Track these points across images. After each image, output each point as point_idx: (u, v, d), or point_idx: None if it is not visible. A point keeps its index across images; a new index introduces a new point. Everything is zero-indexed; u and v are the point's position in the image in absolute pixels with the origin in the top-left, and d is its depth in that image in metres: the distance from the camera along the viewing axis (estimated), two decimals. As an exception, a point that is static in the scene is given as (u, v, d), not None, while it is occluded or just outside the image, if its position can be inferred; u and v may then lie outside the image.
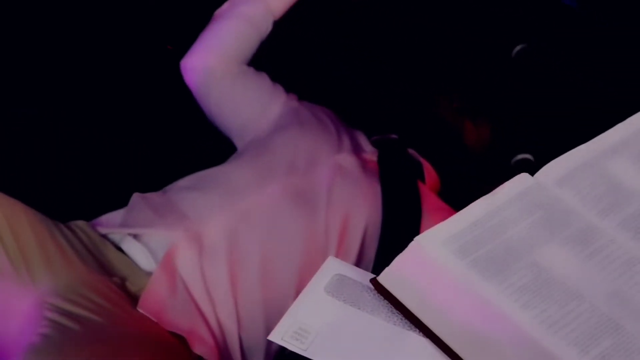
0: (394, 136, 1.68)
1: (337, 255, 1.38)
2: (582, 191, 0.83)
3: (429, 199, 1.55)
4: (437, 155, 1.68)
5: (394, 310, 0.77)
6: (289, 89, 1.68)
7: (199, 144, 1.73)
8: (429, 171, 1.65)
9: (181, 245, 1.32)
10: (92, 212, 1.46)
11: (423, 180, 1.63)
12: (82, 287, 1.23)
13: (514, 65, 1.85)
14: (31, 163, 1.66)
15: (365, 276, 0.79)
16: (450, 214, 1.52)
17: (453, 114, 1.70)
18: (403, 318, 0.76)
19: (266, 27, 1.63)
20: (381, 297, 0.77)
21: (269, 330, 1.32)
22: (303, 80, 1.86)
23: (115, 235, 1.38)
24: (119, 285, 1.28)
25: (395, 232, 1.47)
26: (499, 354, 0.72)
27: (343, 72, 1.83)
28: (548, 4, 1.90)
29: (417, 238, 0.77)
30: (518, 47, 1.85)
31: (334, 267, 0.80)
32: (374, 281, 0.78)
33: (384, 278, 0.78)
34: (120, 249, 1.36)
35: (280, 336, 0.74)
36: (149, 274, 1.32)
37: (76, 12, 1.82)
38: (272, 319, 1.33)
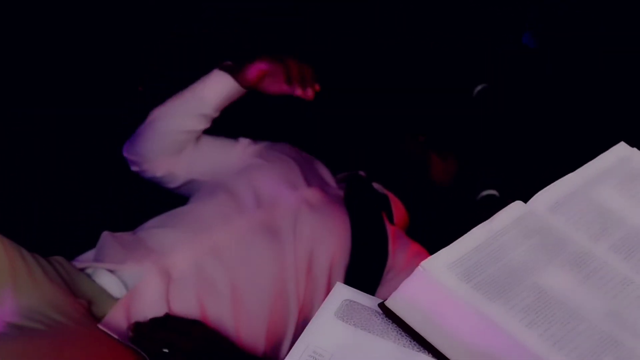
0: (361, 172, 1.73)
1: (305, 285, 1.42)
2: (574, 217, 0.87)
3: (394, 233, 1.59)
4: (404, 189, 1.73)
5: (403, 333, 0.79)
6: (253, 127, 1.73)
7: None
8: (397, 204, 1.69)
9: (149, 278, 1.35)
10: (69, 252, 1.48)
11: (390, 212, 1.67)
12: (44, 305, 1.25)
13: (475, 103, 1.91)
14: (31, 163, 1.68)
15: (373, 301, 0.82)
16: (416, 248, 1.57)
17: (419, 148, 1.74)
18: (412, 340, 0.79)
19: (208, 124, 1.65)
20: (390, 320, 0.80)
21: None
22: (268, 115, 1.90)
23: (90, 269, 1.40)
24: (84, 306, 1.30)
25: (363, 263, 1.51)
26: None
27: (309, 109, 1.87)
28: (508, 44, 1.98)
29: (422, 263, 0.80)
30: (479, 87, 1.91)
31: (342, 293, 0.82)
32: (382, 305, 0.81)
33: (391, 302, 0.80)
34: (93, 281, 1.39)
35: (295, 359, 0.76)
36: (117, 300, 1.34)
37: (76, 14, 1.83)
38: (245, 347, 1.35)
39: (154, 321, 1.30)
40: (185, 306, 1.34)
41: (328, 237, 1.48)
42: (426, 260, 0.81)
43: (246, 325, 1.36)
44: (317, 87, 1.54)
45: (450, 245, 0.82)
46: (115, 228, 1.48)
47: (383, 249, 1.56)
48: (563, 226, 0.86)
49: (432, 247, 1.56)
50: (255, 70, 1.55)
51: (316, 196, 1.55)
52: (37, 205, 1.42)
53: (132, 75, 1.87)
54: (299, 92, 1.53)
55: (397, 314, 0.80)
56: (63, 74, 1.81)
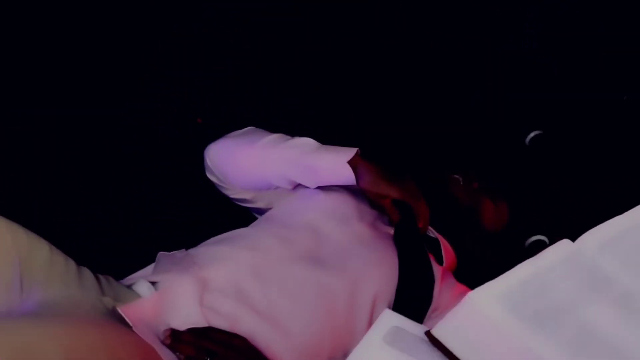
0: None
1: (346, 319, 1.44)
2: (621, 257, 0.88)
3: (442, 273, 1.60)
4: (454, 233, 1.74)
5: (447, 361, 0.81)
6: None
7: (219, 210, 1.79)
8: (446, 248, 1.71)
9: (185, 283, 1.39)
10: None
11: (440, 255, 1.68)
12: (65, 301, 1.30)
13: (528, 150, 1.92)
14: (31, 163, 1.69)
15: (420, 329, 0.84)
16: (462, 288, 1.58)
17: (471, 193, 1.75)
18: (456, 368, 0.81)
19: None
20: (436, 348, 0.82)
21: None
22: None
23: (132, 280, 1.45)
24: (108, 303, 1.34)
25: (408, 302, 1.52)
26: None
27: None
28: (508, 44, 1.97)
29: (470, 294, 0.82)
30: (532, 134, 1.92)
31: (390, 319, 0.85)
32: (428, 333, 0.83)
33: (438, 331, 0.83)
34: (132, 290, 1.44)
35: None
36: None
37: (77, 14, 1.85)
38: None
39: (196, 330, 1.33)
40: (218, 318, 1.37)
41: (374, 273, 1.50)
42: (474, 291, 0.83)
43: (279, 349, 1.38)
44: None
45: (498, 278, 0.85)
46: (115, 228, 1.49)
47: (429, 289, 1.57)
48: (610, 266, 0.88)
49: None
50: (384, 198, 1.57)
51: (366, 232, 1.57)
52: (37, 206, 1.43)
53: (132, 75, 1.86)
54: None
55: (443, 342, 0.82)
56: (63, 73, 1.80)
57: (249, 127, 1.72)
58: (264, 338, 1.39)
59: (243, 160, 1.64)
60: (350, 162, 1.55)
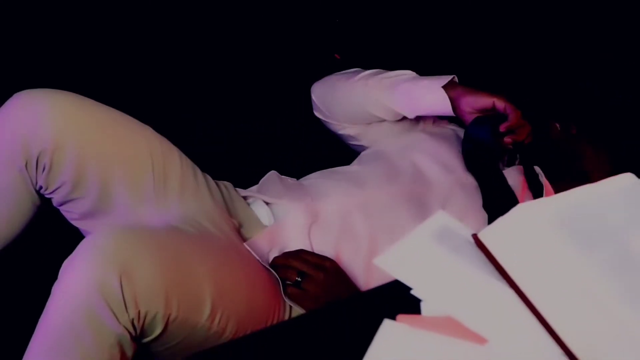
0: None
1: None
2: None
3: None
4: (558, 181, 1.70)
5: (489, 264, 0.85)
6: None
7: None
8: (549, 192, 1.70)
9: (298, 213, 1.47)
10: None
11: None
12: (202, 217, 1.40)
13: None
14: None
15: (467, 231, 0.88)
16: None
17: (571, 139, 1.70)
18: (495, 271, 0.85)
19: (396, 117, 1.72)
20: (480, 251, 0.86)
21: None
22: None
23: (251, 199, 1.55)
24: (235, 226, 1.44)
25: None
26: (578, 317, 0.80)
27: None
28: None
29: (521, 204, 0.86)
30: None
31: (441, 219, 0.89)
32: (474, 236, 0.87)
33: (485, 235, 0.87)
34: (250, 207, 1.53)
35: (384, 262, 0.84)
36: (264, 227, 1.47)
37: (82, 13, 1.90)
38: None
39: (289, 253, 1.42)
40: (324, 248, 1.45)
41: (473, 221, 1.53)
42: (525, 202, 0.86)
43: (375, 280, 1.44)
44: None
45: (552, 196, 0.87)
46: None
47: None
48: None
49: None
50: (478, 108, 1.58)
51: (469, 180, 1.60)
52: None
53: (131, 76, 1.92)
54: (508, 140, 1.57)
55: (488, 246, 0.86)
56: (63, 73, 1.85)
57: (354, 69, 1.78)
58: (361, 272, 1.46)
59: (344, 91, 1.70)
60: (446, 89, 1.56)
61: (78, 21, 1.85)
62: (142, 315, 1.22)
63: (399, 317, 0.80)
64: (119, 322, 1.21)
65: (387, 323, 0.79)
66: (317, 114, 1.80)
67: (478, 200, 1.56)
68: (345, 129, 1.77)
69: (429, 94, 1.59)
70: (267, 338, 0.88)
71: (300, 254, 1.42)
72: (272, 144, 1.89)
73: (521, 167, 1.66)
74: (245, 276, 1.38)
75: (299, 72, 1.98)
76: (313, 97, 1.79)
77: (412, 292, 0.80)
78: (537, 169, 1.69)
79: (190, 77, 1.92)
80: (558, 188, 1.68)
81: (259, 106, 1.93)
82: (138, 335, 1.25)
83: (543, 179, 1.68)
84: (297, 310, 1.42)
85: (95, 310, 1.19)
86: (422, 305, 0.81)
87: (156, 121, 1.49)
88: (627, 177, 0.91)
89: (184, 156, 1.49)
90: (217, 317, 1.30)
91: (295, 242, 1.47)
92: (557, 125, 1.72)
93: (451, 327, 0.79)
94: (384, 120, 1.72)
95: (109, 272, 1.18)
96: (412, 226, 1.48)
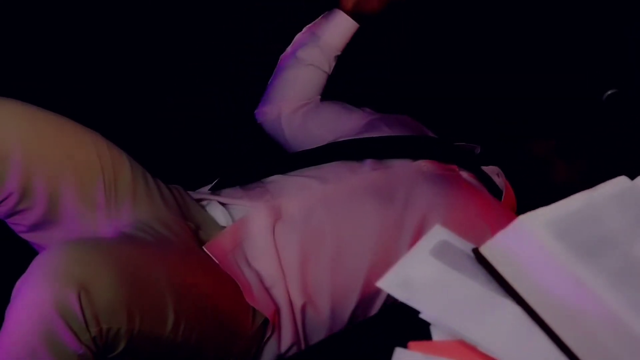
0: (477, 149, 1.75)
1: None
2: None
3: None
4: (519, 181, 1.73)
5: (491, 279, 0.83)
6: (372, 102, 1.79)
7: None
8: (509, 193, 1.71)
9: (259, 212, 1.43)
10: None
11: (500, 196, 1.69)
12: (157, 223, 1.35)
13: (604, 108, 1.89)
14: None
15: (468, 246, 0.86)
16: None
17: (547, 149, 1.74)
18: (499, 286, 0.82)
19: (329, 66, 1.73)
20: (481, 266, 0.84)
21: (333, 313, 1.41)
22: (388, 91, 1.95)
23: (205, 201, 1.50)
24: (192, 229, 1.39)
25: None
26: (588, 330, 0.78)
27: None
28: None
29: (520, 217, 0.84)
30: (609, 92, 1.89)
31: (440, 234, 0.87)
32: (475, 251, 0.85)
33: (486, 248, 0.84)
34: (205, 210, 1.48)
35: (387, 284, 0.81)
36: (223, 228, 1.43)
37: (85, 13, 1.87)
38: (338, 304, 1.41)
39: None
40: (289, 246, 1.41)
41: (442, 210, 1.52)
42: (525, 214, 0.84)
43: (343, 275, 1.42)
44: None
45: (551, 205, 0.86)
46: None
47: None
48: (666, 205, 0.88)
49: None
50: None
51: (432, 168, 1.58)
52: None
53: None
54: None
55: (489, 260, 0.84)
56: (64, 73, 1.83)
57: None
58: (327, 266, 1.42)
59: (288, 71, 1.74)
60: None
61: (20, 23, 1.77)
62: (104, 332, 1.17)
63: (411, 344, 0.77)
64: (81, 342, 1.15)
65: (399, 352, 0.76)
66: (258, 118, 1.78)
67: (445, 189, 1.54)
68: (284, 110, 1.74)
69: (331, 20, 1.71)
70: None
71: None
72: (221, 146, 1.84)
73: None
74: (206, 282, 1.34)
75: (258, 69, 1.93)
76: (260, 115, 1.78)
77: (420, 315, 0.78)
78: (495, 168, 1.69)
79: (134, 79, 1.84)
80: (520, 192, 1.69)
81: (207, 107, 1.87)
82: (101, 352, 1.20)
83: (502, 178, 1.68)
84: (262, 315, 1.38)
85: (54, 332, 1.14)
86: (432, 329, 0.79)
87: (104, 126, 1.41)
88: (621, 181, 0.90)
89: (133, 161, 1.43)
90: (180, 327, 1.26)
91: (258, 241, 1.42)
92: (537, 140, 1.73)
93: (464, 351, 0.76)
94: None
95: (66, 290, 1.12)
96: (376, 219, 1.48)
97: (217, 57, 1.92)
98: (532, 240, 0.83)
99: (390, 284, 0.81)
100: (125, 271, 1.20)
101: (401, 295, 0.80)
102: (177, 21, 1.89)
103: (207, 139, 1.85)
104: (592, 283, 0.79)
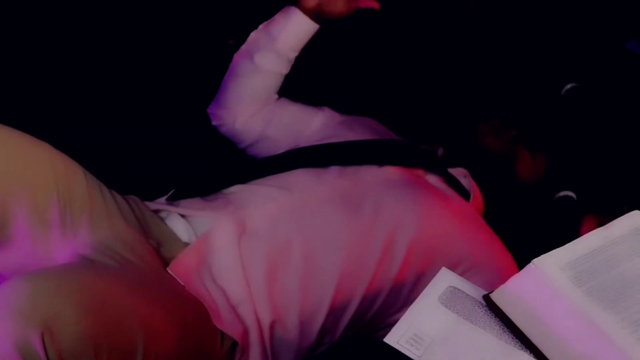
0: (440, 150, 1.70)
1: (379, 262, 1.40)
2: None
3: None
4: (485, 180, 1.69)
5: (506, 329, 0.77)
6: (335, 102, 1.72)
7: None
8: (476, 192, 1.66)
9: (223, 225, 1.35)
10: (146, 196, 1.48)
11: (467, 198, 1.64)
12: (118, 244, 1.26)
13: (563, 102, 1.86)
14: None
15: (477, 291, 0.80)
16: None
17: (507, 141, 1.70)
18: (514, 337, 0.77)
19: (287, 66, 1.65)
20: (493, 314, 0.78)
21: (302, 328, 1.35)
22: (350, 91, 1.89)
23: (164, 212, 1.41)
24: (154, 247, 1.31)
25: None
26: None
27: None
28: (611, 46, 1.93)
29: (534, 261, 0.78)
30: (568, 86, 1.86)
31: (447, 279, 0.81)
32: (486, 298, 0.79)
33: (497, 296, 0.79)
34: (165, 223, 1.40)
35: (396, 340, 0.74)
36: (185, 244, 1.34)
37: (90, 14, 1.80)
38: (307, 319, 1.35)
39: None
40: (255, 262, 1.34)
41: (411, 221, 1.46)
42: (539, 258, 0.79)
43: (311, 289, 1.35)
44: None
45: (565, 246, 0.80)
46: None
47: None
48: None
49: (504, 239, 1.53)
50: None
51: (399, 174, 1.53)
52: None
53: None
54: (363, 2, 1.54)
55: (502, 308, 0.78)
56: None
57: None
58: (296, 278, 1.36)
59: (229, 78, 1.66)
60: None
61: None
62: None
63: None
64: None
65: None
66: (214, 122, 1.70)
67: (411, 200, 1.49)
68: (240, 116, 1.66)
69: (287, 20, 1.61)
70: None
71: None
72: (181, 152, 1.74)
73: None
74: (173, 309, 1.25)
75: (194, 62, 1.84)
76: (209, 110, 1.69)
77: (435, 376, 0.72)
78: (463, 170, 1.64)
79: (82, 79, 1.74)
80: (487, 191, 1.64)
81: (158, 110, 1.78)
82: None
83: (469, 179, 1.63)
84: (230, 338, 1.31)
85: None
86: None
87: (50, 135, 1.31)
88: (635, 217, 0.85)
89: (87, 172, 1.32)
90: (150, 358, 1.17)
91: (224, 258, 1.34)
92: (488, 129, 1.68)
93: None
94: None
95: (28, 331, 1.03)
96: (344, 229, 1.41)
97: (164, 53, 1.83)
98: (548, 286, 0.77)
99: (400, 339, 0.75)
100: (90, 304, 1.11)
101: (413, 353, 0.73)
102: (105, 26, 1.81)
103: (160, 144, 1.75)
104: (614, 334, 0.74)
